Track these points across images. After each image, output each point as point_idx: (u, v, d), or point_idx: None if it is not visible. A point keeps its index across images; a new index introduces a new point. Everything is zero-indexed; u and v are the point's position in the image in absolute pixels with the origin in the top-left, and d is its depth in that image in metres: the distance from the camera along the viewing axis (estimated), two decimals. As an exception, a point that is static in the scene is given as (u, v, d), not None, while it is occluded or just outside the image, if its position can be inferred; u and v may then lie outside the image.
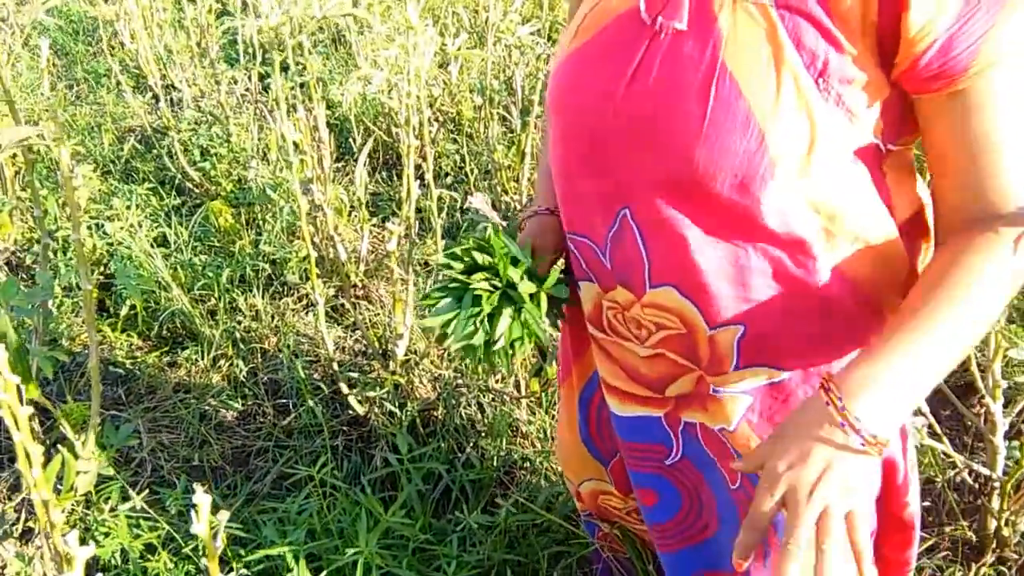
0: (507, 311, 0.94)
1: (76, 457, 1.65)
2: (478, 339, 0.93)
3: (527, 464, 1.87)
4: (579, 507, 1.36)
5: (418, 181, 1.98)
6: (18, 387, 1.10)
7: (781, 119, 0.68)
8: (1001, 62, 0.65)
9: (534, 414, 2.01)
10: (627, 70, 0.76)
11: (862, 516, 0.71)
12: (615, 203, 0.83)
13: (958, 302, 0.70)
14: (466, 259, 0.97)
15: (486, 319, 0.94)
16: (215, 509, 0.95)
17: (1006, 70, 0.65)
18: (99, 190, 2.89)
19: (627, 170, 0.79)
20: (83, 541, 1.71)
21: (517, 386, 2.04)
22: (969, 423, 2.01)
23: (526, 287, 0.95)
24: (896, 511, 0.96)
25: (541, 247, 1.01)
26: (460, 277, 0.96)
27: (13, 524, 1.57)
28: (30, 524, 1.73)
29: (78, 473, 1.66)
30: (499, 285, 0.95)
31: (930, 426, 1.66)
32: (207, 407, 2.14)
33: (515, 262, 0.96)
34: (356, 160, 2.60)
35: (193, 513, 0.89)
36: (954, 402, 1.86)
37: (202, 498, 0.88)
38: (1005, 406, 1.57)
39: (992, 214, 0.69)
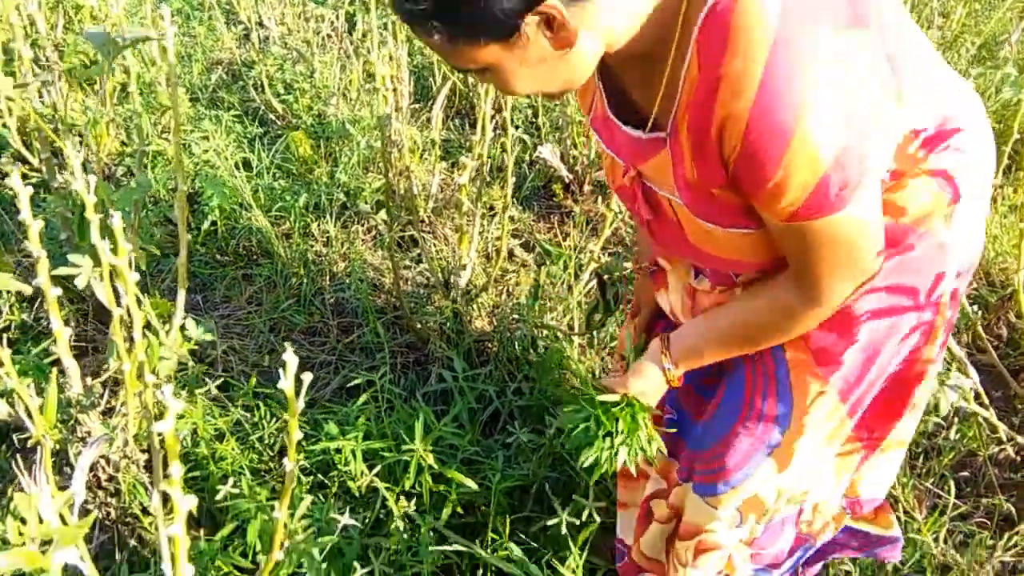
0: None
1: (160, 344, 1.79)
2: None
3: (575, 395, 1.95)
4: None
5: (492, 123, 2.05)
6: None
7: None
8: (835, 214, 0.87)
9: (585, 353, 2.08)
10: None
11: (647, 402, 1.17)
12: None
13: (739, 302, 1.08)
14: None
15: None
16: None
17: (835, 218, 0.87)
18: (187, 114, 3.04)
19: None
20: (159, 417, 1.85)
21: (571, 326, 2.11)
22: (1020, 405, 2.01)
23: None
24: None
25: (646, 304, 1.40)
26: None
27: (100, 396, 1.71)
28: (112, 403, 1.88)
29: (161, 359, 1.81)
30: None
31: (978, 396, 1.68)
32: (276, 319, 2.27)
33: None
34: (433, 103, 2.68)
35: (280, 371, 0.99)
36: (1008, 380, 1.88)
37: (290, 357, 0.98)
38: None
39: (793, 281, 0.98)
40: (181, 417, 1.76)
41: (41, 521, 0.94)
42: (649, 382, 1.16)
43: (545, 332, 2.09)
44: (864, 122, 0.83)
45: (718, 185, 0.91)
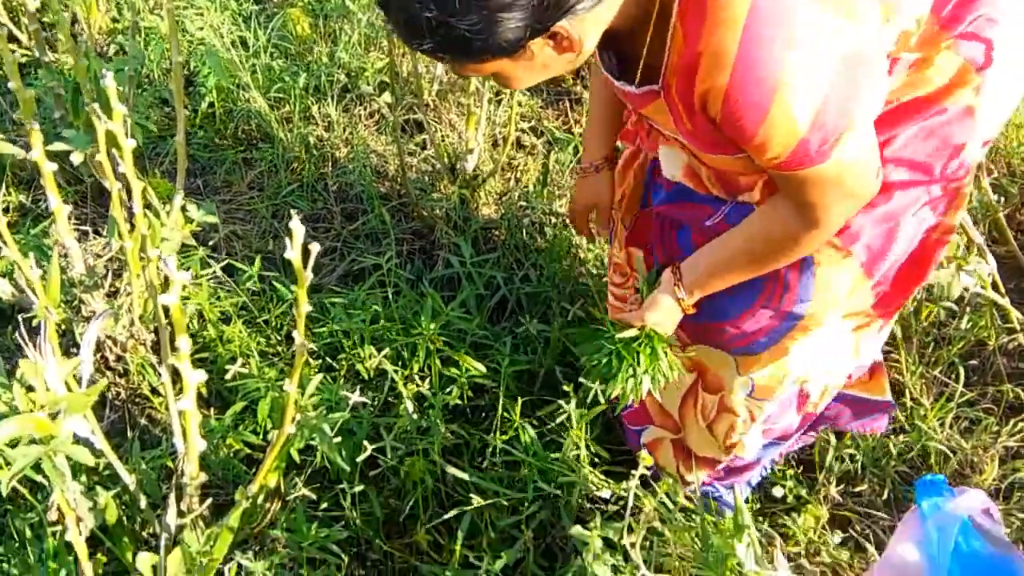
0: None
1: (162, 225, 1.75)
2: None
3: (583, 286, 1.93)
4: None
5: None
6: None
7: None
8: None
9: (594, 242, 2.04)
10: None
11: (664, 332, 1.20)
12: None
13: (741, 230, 1.09)
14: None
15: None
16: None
17: (821, 168, 0.91)
18: (179, -10, 2.89)
19: None
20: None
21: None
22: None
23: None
24: None
25: (603, 206, 1.42)
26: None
27: (103, 277, 1.69)
28: (116, 286, 1.86)
29: (163, 240, 1.77)
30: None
31: (994, 284, 1.66)
32: (279, 205, 2.22)
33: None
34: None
35: (287, 240, 0.95)
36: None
37: (296, 226, 0.94)
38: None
39: (792, 208, 1.00)
40: (187, 298, 1.74)
41: (48, 390, 0.93)
42: (664, 313, 1.18)
43: (553, 219, 2.05)
44: (845, 76, 0.85)
45: (712, 133, 0.95)
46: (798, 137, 0.86)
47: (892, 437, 1.64)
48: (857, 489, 1.61)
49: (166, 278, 0.99)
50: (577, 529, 0.99)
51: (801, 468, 1.65)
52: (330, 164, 2.34)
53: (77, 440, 1.58)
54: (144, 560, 1.10)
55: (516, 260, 1.99)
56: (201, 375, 1.12)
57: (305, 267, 0.96)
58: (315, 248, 0.94)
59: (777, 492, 1.59)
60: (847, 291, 1.12)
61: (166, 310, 1.16)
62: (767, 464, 1.55)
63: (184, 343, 1.07)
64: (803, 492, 1.59)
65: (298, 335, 0.98)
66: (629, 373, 1.18)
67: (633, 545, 0.91)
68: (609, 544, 1.04)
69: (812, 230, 0.99)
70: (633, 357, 1.18)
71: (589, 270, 1.98)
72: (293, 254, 0.95)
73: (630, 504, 0.98)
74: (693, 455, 1.41)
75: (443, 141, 2.35)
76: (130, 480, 1.27)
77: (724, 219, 1.15)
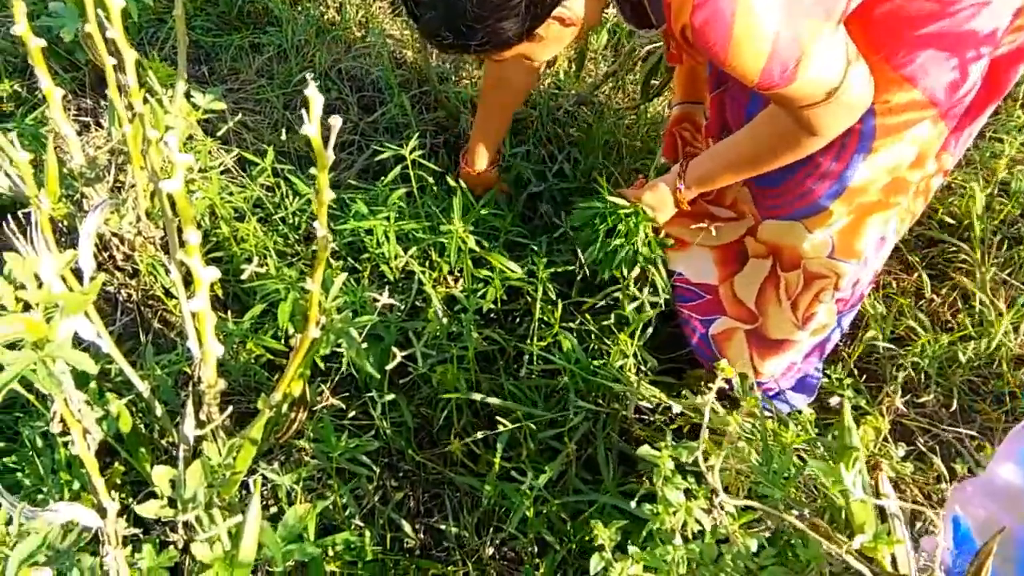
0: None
1: (165, 112, 1.60)
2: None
3: (616, 181, 1.78)
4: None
5: None
6: None
7: None
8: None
9: (635, 134, 1.88)
10: None
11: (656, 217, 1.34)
12: None
13: (746, 132, 1.17)
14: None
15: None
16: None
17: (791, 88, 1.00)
18: None
19: None
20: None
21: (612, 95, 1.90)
22: None
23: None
24: None
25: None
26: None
27: (105, 169, 1.55)
28: (121, 180, 1.72)
29: (167, 128, 1.62)
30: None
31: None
32: (290, 94, 2.06)
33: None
34: None
35: (304, 112, 0.81)
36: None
37: (314, 93, 0.80)
38: None
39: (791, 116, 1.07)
40: (193, 192, 1.61)
41: (41, 286, 0.81)
42: (660, 198, 1.31)
43: (589, 108, 1.88)
44: (790, 10, 0.93)
45: None
46: (760, 66, 0.95)
47: (960, 344, 1.52)
48: (921, 400, 1.50)
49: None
50: (646, 449, 0.89)
51: (864, 377, 1.54)
52: (343, 50, 2.15)
53: (81, 344, 1.48)
54: (161, 474, 1.01)
55: (549, 154, 1.83)
56: (214, 272, 0.99)
57: (326, 146, 0.82)
58: (336, 123, 0.79)
59: (834, 401, 1.49)
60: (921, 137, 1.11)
61: (171, 200, 1.03)
62: (826, 351, 1.46)
63: (193, 236, 0.94)
64: (862, 403, 1.48)
65: (320, 226, 0.85)
66: (606, 240, 1.31)
67: (711, 468, 0.80)
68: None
69: (811, 137, 1.06)
70: (615, 221, 1.29)
71: (628, 162, 1.82)
72: (311, 129, 0.81)
73: (707, 420, 0.87)
74: (767, 342, 1.36)
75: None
76: (143, 387, 1.17)
77: None
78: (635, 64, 1.87)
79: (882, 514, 0.82)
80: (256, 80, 2.10)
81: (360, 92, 2.08)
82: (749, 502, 0.81)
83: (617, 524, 0.89)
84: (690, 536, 0.83)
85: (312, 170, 0.84)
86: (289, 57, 2.13)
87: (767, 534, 0.88)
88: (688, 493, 0.85)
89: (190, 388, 1.16)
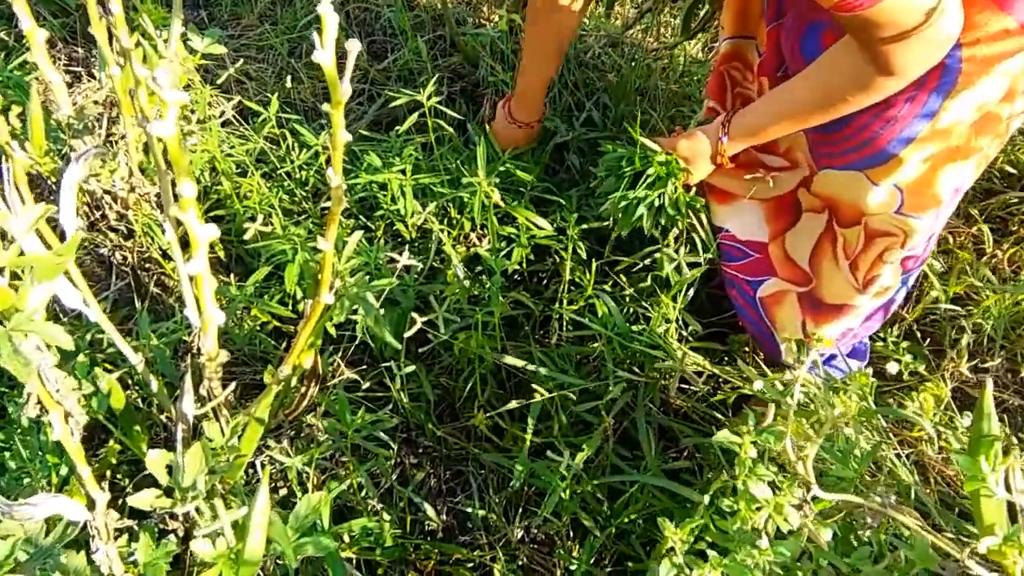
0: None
1: (160, 57, 1.46)
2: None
3: (652, 127, 1.64)
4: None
5: None
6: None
7: None
8: None
9: (668, 77, 1.73)
10: None
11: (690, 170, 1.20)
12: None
13: (806, 76, 1.02)
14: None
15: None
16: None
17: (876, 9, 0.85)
18: None
19: None
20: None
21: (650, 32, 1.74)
22: None
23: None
24: None
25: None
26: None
27: (96, 120, 1.43)
28: (113, 132, 1.59)
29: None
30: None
31: None
32: (295, 40, 1.91)
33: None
34: None
35: (316, 38, 0.68)
36: None
37: (327, 9, 0.67)
38: None
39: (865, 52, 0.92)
40: (191, 142, 1.48)
41: (8, 247, 0.69)
42: (698, 149, 1.17)
43: (621, 51, 1.73)
44: None
45: None
46: None
47: (1029, 305, 1.39)
48: (985, 365, 1.38)
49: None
50: (724, 435, 0.77)
51: (928, 341, 1.41)
52: (351, -10, 2.00)
53: (60, 313, 1.36)
54: (156, 459, 0.90)
55: (576, 101, 1.69)
56: (213, 230, 0.87)
57: (342, 76, 0.69)
58: (354, 47, 0.66)
59: (891, 368, 1.36)
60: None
61: (164, 149, 0.91)
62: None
63: (188, 188, 0.82)
64: (921, 368, 1.36)
65: (334, 173, 0.73)
66: (631, 192, 1.17)
67: (803, 458, 0.68)
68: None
69: (885, 76, 0.92)
70: (643, 166, 1.16)
71: (662, 108, 1.68)
72: (324, 56, 0.68)
73: (796, 397, 0.74)
74: (823, 307, 1.22)
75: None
76: (137, 359, 1.06)
77: None
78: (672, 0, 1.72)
79: (1011, 512, 0.70)
80: (259, 26, 1.95)
81: (370, 37, 1.93)
82: (849, 497, 0.69)
83: (690, 524, 0.77)
84: (766, 532, 0.72)
85: (326, 107, 0.71)
86: (293, 1, 1.98)
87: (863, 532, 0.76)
88: (773, 486, 0.74)
89: (188, 361, 1.04)
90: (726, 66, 1.29)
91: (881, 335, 1.40)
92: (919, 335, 1.45)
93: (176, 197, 0.84)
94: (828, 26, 1.02)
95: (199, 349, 1.02)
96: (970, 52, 0.94)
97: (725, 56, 1.29)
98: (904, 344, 1.41)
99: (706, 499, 0.91)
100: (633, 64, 1.67)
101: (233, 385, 1.01)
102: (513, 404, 1.13)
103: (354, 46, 0.67)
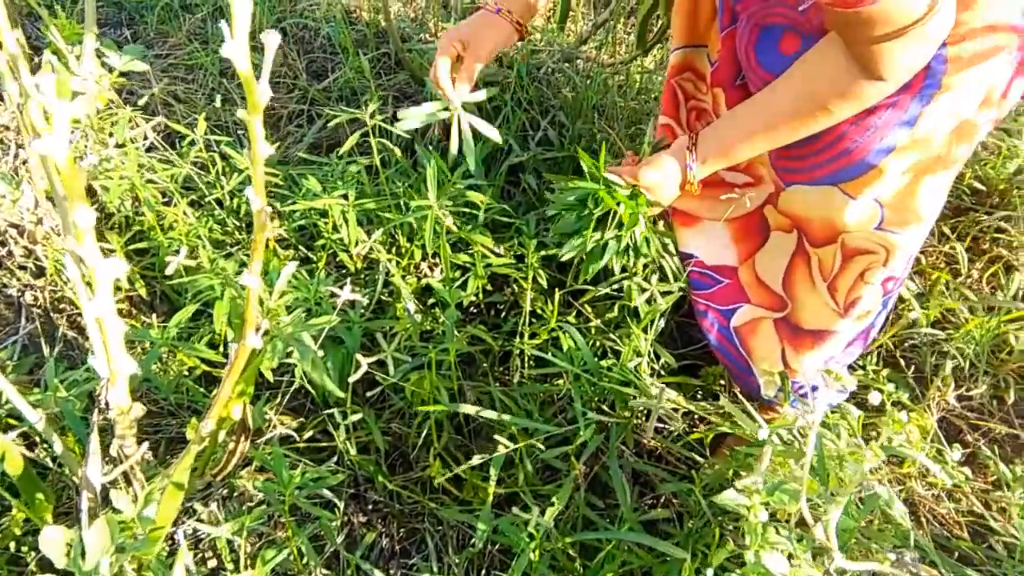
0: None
1: (71, 74, 1.32)
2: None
3: (611, 147, 1.55)
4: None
5: None
6: None
7: None
8: None
9: (625, 93, 1.65)
10: None
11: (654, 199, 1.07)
12: None
13: (780, 85, 0.93)
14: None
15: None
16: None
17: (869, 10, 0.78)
18: None
19: None
20: (91, 187, 1.43)
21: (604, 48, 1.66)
22: None
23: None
24: None
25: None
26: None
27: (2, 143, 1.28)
28: (20, 159, 1.44)
29: (74, 95, 1.35)
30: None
31: None
32: (227, 59, 1.78)
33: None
34: None
35: (225, 28, 0.56)
36: None
37: (240, -2, 0.55)
38: None
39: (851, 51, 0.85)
40: (108, 171, 1.34)
41: None
42: (663, 176, 1.04)
43: (577, 64, 1.65)
44: None
45: None
46: None
47: (1011, 326, 1.33)
48: (970, 393, 1.31)
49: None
50: (730, 496, 0.66)
51: (912, 369, 1.34)
52: (288, 7, 1.88)
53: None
54: (52, 538, 0.76)
55: (531, 120, 1.60)
56: (117, 265, 0.73)
57: (259, 78, 0.57)
58: (273, 40, 0.55)
59: (874, 399, 1.28)
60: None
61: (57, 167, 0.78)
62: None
63: (83, 215, 0.68)
64: (904, 398, 1.28)
65: (255, 194, 0.61)
66: (597, 232, 1.04)
67: (825, 522, 0.58)
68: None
69: (871, 80, 0.84)
70: (612, 204, 1.02)
71: (618, 128, 1.60)
72: (235, 49, 0.57)
73: (811, 449, 0.64)
74: (802, 333, 1.13)
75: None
76: (36, 417, 0.91)
77: None
78: (629, 14, 1.64)
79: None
80: (187, 44, 1.82)
81: (309, 55, 1.82)
82: (880, 567, 0.59)
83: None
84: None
85: (241, 113, 0.59)
86: (226, 17, 1.86)
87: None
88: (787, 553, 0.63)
89: (94, 417, 0.90)
90: (677, 78, 1.21)
91: (860, 362, 1.32)
92: (901, 361, 1.37)
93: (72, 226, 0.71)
94: (784, 30, 0.94)
95: (107, 403, 0.88)
96: (956, 51, 0.87)
97: (675, 67, 1.21)
98: (884, 371, 1.33)
99: (688, 556, 0.81)
100: (589, 81, 1.59)
101: (145, 446, 0.87)
102: (476, 460, 1.01)
103: (273, 39, 0.55)
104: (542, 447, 1.03)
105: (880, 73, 0.84)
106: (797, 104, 0.91)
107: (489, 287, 1.25)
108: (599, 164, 1.07)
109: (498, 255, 1.24)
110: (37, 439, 1.12)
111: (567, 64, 1.59)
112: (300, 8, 1.87)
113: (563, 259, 1.09)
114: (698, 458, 1.14)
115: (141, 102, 1.47)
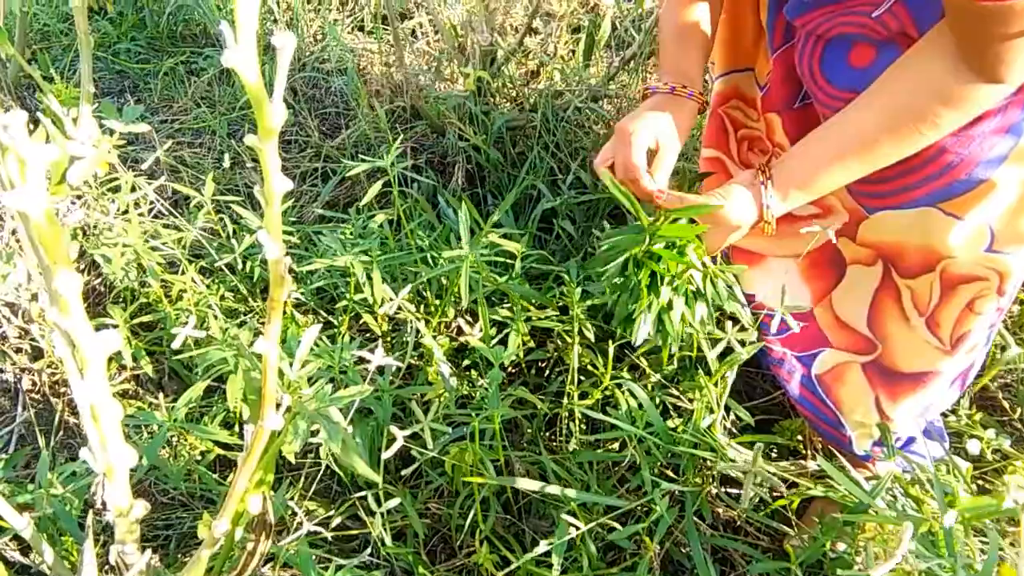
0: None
1: (67, 138, 1.23)
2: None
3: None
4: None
5: None
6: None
7: None
8: None
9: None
10: None
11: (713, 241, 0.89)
12: None
13: (870, 99, 0.80)
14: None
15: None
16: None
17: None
18: None
19: None
20: (84, 258, 1.33)
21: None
22: None
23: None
24: None
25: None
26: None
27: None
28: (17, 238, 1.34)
29: (72, 161, 1.26)
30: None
31: None
32: (235, 121, 1.70)
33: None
34: None
35: (226, 29, 0.45)
36: None
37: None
38: None
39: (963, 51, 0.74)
40: (111, 238, 1.23)
41: None
42: (736, 207, 0.85)
43: (605, 102, 1.55)
44: None
45: None
46: None
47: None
48: (1081, 433, 1.16)
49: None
50: None
51: (1017, 412, 1.19)
52: (296, 66, 1.81)
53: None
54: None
55: (559, 163, 1.49)
56: (111, 339, 0.61)
57: (272, 95, 0.46)
58: (288, 42, 0.44)
59: (972, 448, 1.13)
60: None
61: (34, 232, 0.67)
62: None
63: (66, 281, 0.57)
64: (1006, 446, 1.13)
65: (270, 240, 0.49)
66: (650, 300, 0.85)
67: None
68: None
69: (990, 86, 0.73)
70: (648, 272, 0.84)
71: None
72: (239, 57, 0.45)
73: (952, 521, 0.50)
74: (898, 377, 0.99)
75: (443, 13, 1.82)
76: (23, 523, 0.78)
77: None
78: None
79: None
80: (195, 108, 1.74)
81: (321, 112, 1.73)
82: None
83: None
84: None
85: (251, 139, 0.48)
86: (232, 79, 1.79)
87: None
88: None
89: (89, 520, 0.77)
90: (724, 107, 1.10)
91: (951, 407, 1.18)
92: (995, 403, 1.23)
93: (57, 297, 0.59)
94: (854, 41, 0.83)
95: (104, 504, 0.75)
96: None
97: (721, 95, 1.10)
98: (977, 415, 1.19)
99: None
100: (620, 116, 1.49)
101: (148, 554, 0.74)
102: (543, 547, 0.85)
103: (287, 40, 0.44)
104: (617, 525, 0.89)
105: (1001, 75, 0.72)
106: (895, 117, 0.79)
107: (532, 344, 1.13)
108: (639, 211, 0.86)
109: (540, 307, 1.11)
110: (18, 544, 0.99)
111: (595, 102, 1.49)
112: (308, 61, 1.79)
113: (616, 326, 0.89)
114: (782, 527, 0.99)
115: (144, 166, 1.37)
